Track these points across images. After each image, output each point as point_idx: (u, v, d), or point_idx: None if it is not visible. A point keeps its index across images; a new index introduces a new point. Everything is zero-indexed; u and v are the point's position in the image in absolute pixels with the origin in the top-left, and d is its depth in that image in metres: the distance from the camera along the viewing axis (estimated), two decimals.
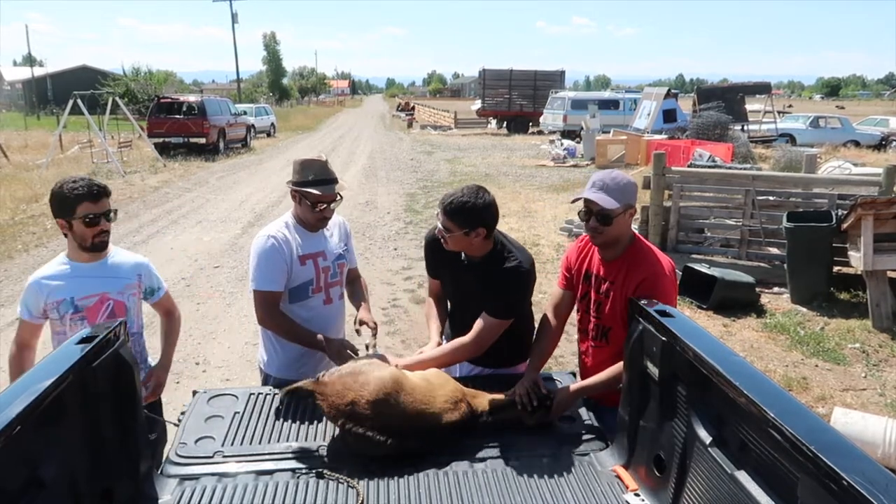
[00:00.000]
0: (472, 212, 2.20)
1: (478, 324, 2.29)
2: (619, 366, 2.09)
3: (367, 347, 2.47)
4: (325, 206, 2.48)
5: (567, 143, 20.12)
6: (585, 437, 2.10)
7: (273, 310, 2.45)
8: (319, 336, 2.44)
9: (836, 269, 6.31)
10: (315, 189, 2.42)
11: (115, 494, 1.70)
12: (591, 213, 2.12)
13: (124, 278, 2.38)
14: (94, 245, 2.29)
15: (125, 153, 17.71)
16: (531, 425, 2.09)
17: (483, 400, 2.13)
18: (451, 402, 2.03)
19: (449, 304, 2.62)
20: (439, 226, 2.29)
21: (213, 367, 4.89)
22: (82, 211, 2.23)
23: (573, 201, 2.26)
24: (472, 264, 2.36)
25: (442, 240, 2.31)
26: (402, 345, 5.26)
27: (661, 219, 7.33)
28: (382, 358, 2.25)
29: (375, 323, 2.58)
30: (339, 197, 2.51)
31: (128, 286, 2.37)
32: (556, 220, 10.06)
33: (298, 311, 2.52)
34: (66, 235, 2.31)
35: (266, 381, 2.67)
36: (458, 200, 2.20)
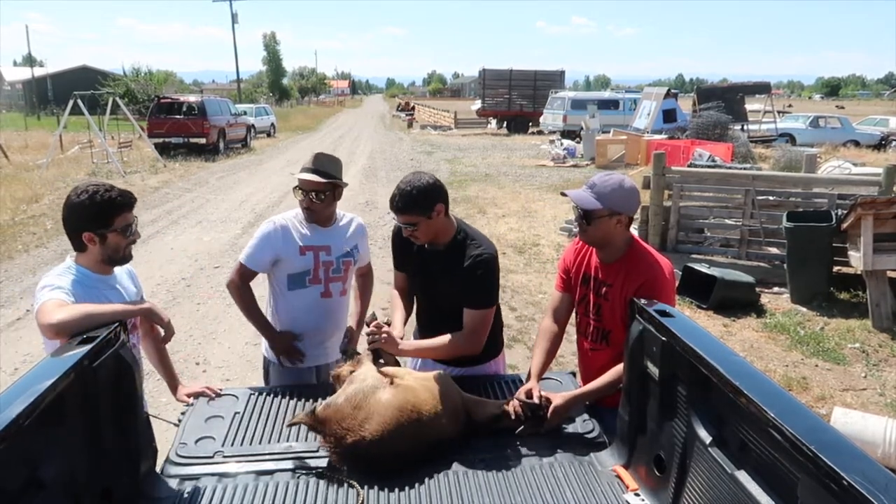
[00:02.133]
0: (421, 196, 2.21)
1: (467, 321, 2.30)
2: (619, 369, 2.08)
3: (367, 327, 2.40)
4: (304, 194, 2.53)
5: (567, 143, 20.11)
6: (585, 436, 2.10)
7: (242, 282, 2.58)
8: (269, 327, 2.57)
9: (835, 268, 6.31)
10: (298, 174, 2.52)
11: (115, 494, 1.70)
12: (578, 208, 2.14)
13: (130, 287, 2.30)
14: (125, 256, 2.15)
15: (125, 153, 17.71)
16: (524, 435, 2.07)
17: (483, 410, 2.12)
18: (453, 416, 2.01)
19: (416, 298, 2.61)
20: (402, 226, 2.30)
21: (214, 368, 4.89)
22: (121, 222, 2.07)
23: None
24: (437, 253, 2.37)
25: (412, 238, 2.32)
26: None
27: (661, 219, 7.33)
28: (387, 341, 2.22)
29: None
30: (329, 191, 2.53)
31: (136, 294, 2.34)
32: (556, 220, 10.06)
33: (294, 299, 2.60)
34: (80, 249, 2.09)
35: (266, 366, 2.75)
36: (405, 192, 2.21)
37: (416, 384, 2.05)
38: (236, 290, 2.60)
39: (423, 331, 2.56)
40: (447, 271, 2.33)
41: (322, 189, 2.53)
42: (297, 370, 2.67)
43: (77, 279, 2.04)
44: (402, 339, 2.39)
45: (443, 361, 2.47)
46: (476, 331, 2.31)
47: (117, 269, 2.23)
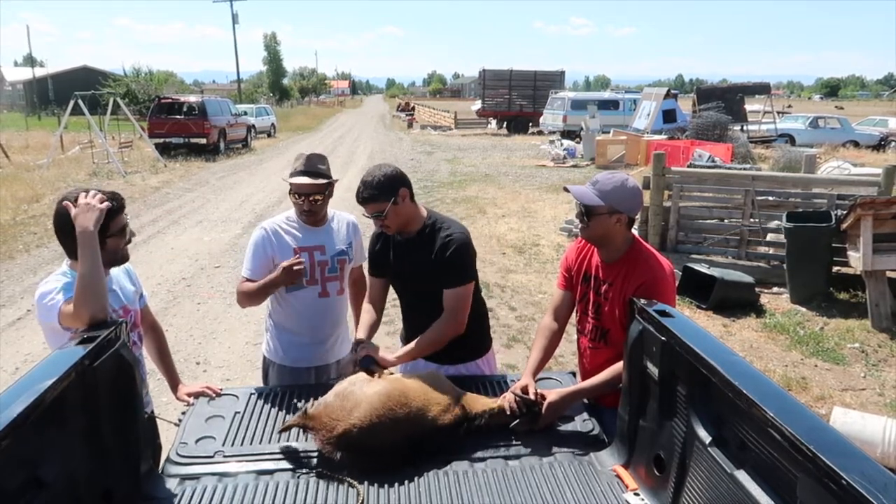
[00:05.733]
0: (382, 183, 2.29)
1: (446, 301, 2.34)
2: (616, 368, 2.09)
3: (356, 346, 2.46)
4: (303, 197, 2.53)
5: (567, 143, 20.10)
6: (585, 436, 2.10)
7: (243, 291, 2.56)
8: (268, 279, 2.47)
9: (835, 269, 6.31)
10: (292, 179, 2.51)
11: (115, 494, 1.71)
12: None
13: (128, 286, 2.31)
14: (123, 257, 2.18)
15: (126, 153, 17.72)
16: (520, 431, 2.07)
17: (476, 404, 2.12)
18: (444, 406, 2.02)
19: (399, 298, 2.62)
20: (372, 217, 2.36)
21: (214, 367, 4.89)
22: (117, 224, 2.10)
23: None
24: (409, 242, 2.43)
25: (384, 228, 2.40)
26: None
27: (660, 219, 7.33)
28: (374, 352, 2.28)
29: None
30: (324, 192, 2.54)
31: (134, 293, 2.33)
32: (556, 220, 10.07)
33: (293, 300, 2.60)
34: (74, 256, 2.05)
35: (266, 366, 2.76)
36: (368, 182, 2.30)
37: (405, 378, 2.09)
38: (244, 297, 2.57)
39: (411, 330, 2.55)
40: (421, 258, 2.38)
41: (322, 190, 2.54)
42: (296, 371, 2.67)
43: (74, 283, 2.04)
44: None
45: (432, 361, 2.49)
46: (455, 309, 2.34)
47: (114, 270, 2.24)
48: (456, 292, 2.34)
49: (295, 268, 2.40)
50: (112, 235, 2.08)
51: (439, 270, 2.34)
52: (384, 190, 2.29)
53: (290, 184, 2.53)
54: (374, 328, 2.52)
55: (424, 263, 2.37)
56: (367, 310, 2.58)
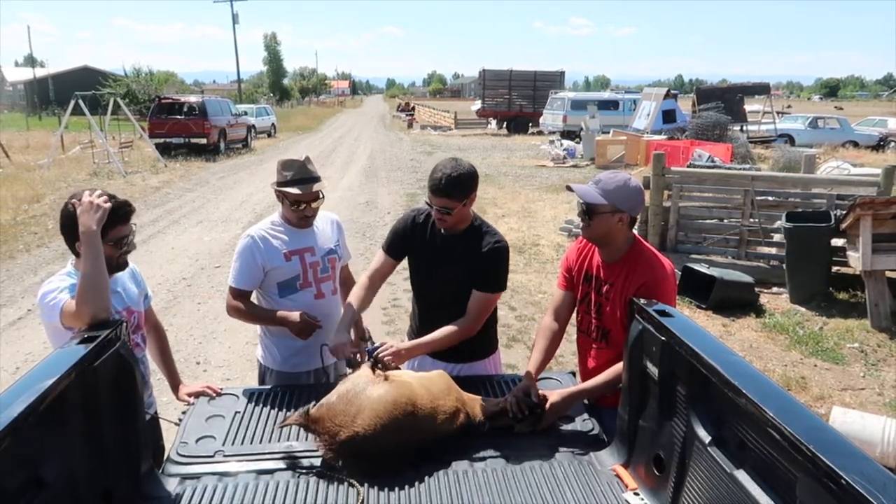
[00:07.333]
0: (464, 182, 2.29)
1: (474, 303, 2.35)
2: (617, 368, 2.09)
3: (366, 339, 2.53)
4: (304, 205, 2.52)
5: (567, 143, 20.11)
6: (585, 436, 2.10)
7: (235, 304, 2.54)
8: (279, 314, 2.50)
9: (834, 268, 6.32)
10: (293, 189, 2.47)
11: (116, 494, 1.71)
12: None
13: (132, 287, 2.30)
14: (119, 265, 2.16)
15: (126, 153, 17.72)
16: (522, 433, 2.07)
17: (479, 407, 2.11)
18: (450, 414, 2.00)
19: (417, 288, 2.62)
20: (435, 209, 2.33)
21: (214, 367, 4.90)
22: (115, 235, 2.06)
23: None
24: (453, 238, 2.41)
25: (440, 222, 2.37)
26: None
27: (660, 219, 7.34)
28: (392, 355, 2.25)
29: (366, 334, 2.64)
30: (321, 196, 2.55)
31: (139, 293, 2.33)
32: (556, 220, 10.07)
33: (289, 305, 2.57)
34: (78, 255, 2.07)
35: (262, 373, 2.73)
36: (449, 176, 2.27)
37: (411, 380, 2.03)
38: (237, 312, 2.55)
39: (422, 322, 2.55)
40: (463, 256, 2.37)
41: (320, 194, 2.54)
42: (294, 376, 2.65)
43: (76, 283, 2.03)
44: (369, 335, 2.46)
45: (439, 359, 2.49)
46: (480, 313, 2.36)
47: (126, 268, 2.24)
48: (486, 297, 2.36)
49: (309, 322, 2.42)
50: (106, 244, 2.03)
51: (476, 271, 2.34)
52: (463, 190, 2.29)
53: (290, 193, 2.47)
54: (366, 302, 2.47)
55: (465, 263, 2.36)
56: (363, 284, 2.48)
